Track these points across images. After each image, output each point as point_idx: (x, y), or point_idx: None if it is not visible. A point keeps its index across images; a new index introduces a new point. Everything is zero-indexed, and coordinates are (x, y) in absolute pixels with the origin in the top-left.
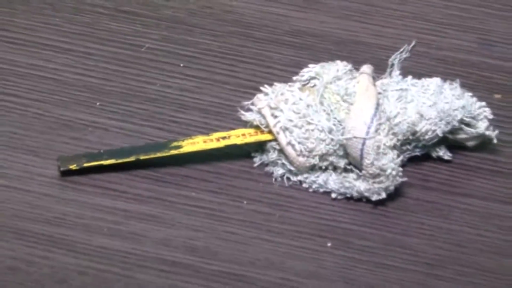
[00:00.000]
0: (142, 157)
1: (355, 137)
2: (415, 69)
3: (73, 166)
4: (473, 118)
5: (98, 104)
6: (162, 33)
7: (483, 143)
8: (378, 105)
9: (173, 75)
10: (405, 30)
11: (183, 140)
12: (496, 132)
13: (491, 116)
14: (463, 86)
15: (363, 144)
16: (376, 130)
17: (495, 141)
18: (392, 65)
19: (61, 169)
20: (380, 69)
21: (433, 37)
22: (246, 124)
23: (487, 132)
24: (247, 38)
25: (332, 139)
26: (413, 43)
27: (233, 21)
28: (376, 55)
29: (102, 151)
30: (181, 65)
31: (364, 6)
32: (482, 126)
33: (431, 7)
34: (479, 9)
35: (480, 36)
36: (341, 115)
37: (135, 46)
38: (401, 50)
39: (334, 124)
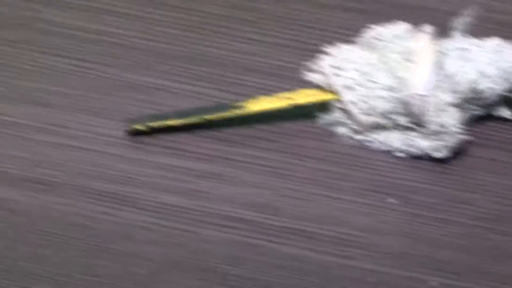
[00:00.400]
0: (207, 117)
1: (415, 94)
2: (477, 33)
3: (139, 126)
4: None
5: (165, 67)
6: (227, 0)
7: None
8: (438, 63)
9: (238, 40)
10: None
11: (247, 101)
12: None
13: None
14: None
15: (424, 101)
16: (436, 88)
17: None
18: (455, 28)
19: (128, 129)
20: (442, 34)
21: (495, 2)
22: (309, 84)
23: None
24: (311, 3)
25: (393, 97)
26: (475, 8)
27: None
28: (438, 20)
29: (168, 112)
30: (246, 29)
31: None
32: None
33: None
34: None
35: None
36: (402, 73)
37: (201, 12)
38: (464, 14)
39: (395, 82)
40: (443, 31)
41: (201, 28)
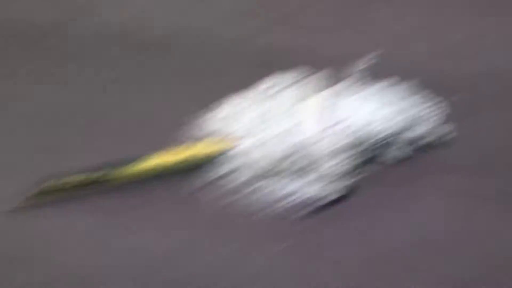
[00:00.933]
0: (108, 173)
1: (309, 138)
2: (373, 76)
3: (42, 187)
4: (424, 117)
5: (68, 125)
6: (130, 58)
7: (436, 141)
8: (331, 107)
9: (141, 94)
10: (368, 42)
11: (147, 155)
12: (448, 129)
13: (441, 115)
14: (419, 89)
15: (317, 145)
16: (329, 131)
17: (447, 137)
18: (353, 74)
19: (31, 189)
20: (338, 79)
21: (395, 46)
22: (209, 135)
23: (438, 130)
24: (210, 56)
25: (289, 142)
26: (375, 53)
27: (204, 42)
28: (336, 65)
29: (69, 170)
30: (149, 84)
31: (330, 20)
32: (432, 125)
33: (394, 20)
34: (436, 18)
35: (436, 45)
36: (296, 119)
37: (111, 69)
38: (363, 60)
39: (291, 128)
40: (339, 75)
41: (105, 82)
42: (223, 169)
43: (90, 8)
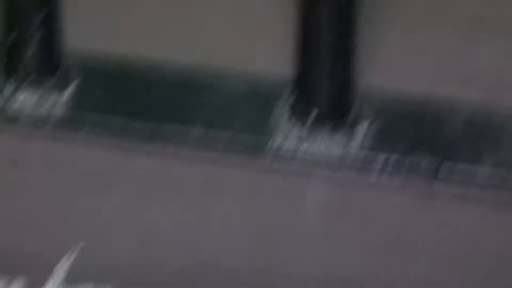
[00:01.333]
0: None
1: None
2: (79, 274)
3: None
4: None
5: None
6: None
7: None
8: None
9: None
10: (72, 235)
11: None
12: None
13: None
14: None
15: None
16: None
17: None
18: (55, 273)
19: None
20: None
21: (98, 241)
22: None
23: None
24: None
25: None
26: (79, 247)
27: None
28: (36, 269)
29: None
30: None
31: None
32: None
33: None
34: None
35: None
36: None
37: None
38: (66, 256)
39: None
40: (39, 280)
41: None
42: None
43: None
